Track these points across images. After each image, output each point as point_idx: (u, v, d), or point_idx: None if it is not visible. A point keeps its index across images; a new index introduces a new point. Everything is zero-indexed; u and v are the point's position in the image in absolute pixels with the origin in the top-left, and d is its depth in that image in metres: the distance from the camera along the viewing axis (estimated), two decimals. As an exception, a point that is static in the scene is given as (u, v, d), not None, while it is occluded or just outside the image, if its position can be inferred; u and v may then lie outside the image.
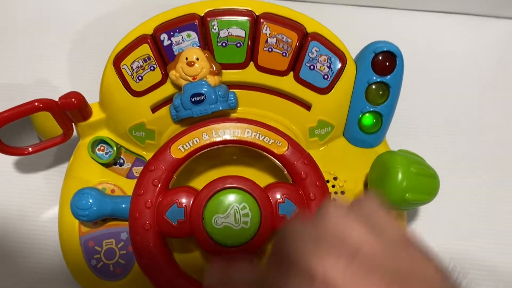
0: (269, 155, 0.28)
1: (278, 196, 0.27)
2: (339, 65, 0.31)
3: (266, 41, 0.30)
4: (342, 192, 0.32)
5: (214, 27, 0.30)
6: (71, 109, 0.30)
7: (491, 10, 0.44)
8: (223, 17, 0.30)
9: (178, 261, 0.27)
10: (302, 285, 0.17)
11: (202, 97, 0.29)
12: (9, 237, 0.35)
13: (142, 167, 0.32)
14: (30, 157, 0.33)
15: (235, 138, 0.28)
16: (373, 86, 0.32)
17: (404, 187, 0.27)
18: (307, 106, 0.32)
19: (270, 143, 0.28)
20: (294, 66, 0.31)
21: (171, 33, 0.30)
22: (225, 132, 0.28)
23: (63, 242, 0.31)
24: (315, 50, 0.30)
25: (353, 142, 0.33)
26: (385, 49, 0.31)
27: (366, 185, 0.32)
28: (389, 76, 0.31)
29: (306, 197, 0.27)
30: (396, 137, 0.36)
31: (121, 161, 0.33)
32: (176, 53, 0.30)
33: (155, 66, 0.30)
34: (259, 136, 0.28)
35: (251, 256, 0.27)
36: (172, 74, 0.30)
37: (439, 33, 0.44)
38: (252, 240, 0.26)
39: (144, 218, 0.26)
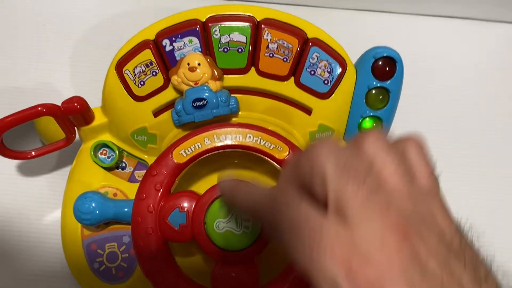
0: (270, 160, 0.29)
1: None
2: (339, 70, 0.31)
3: (267, 46, 0.30)
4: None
5: (216, 33, 0.30)
6: (73, 114, 0.30)
7: (493, 15, 0.44)
8: (224, 23, 0.30)
9: (180, 265, 0.27)
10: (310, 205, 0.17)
11: (204, 102, 0.29)
12: (12, 240, 0.35)
13: (144, 171, 0.32)
14: (33, 161, 0.33)
15: (236, 143, 0.28)
16: (373, 91, 0.32)
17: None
18: (308, 111, 0.32)
19: (271, 148, 0.28)
20: (295, 71, 0.31)
21: (173, 39, 0.30)
22: (227, 137, 0.28)
23: (65, 245, 0.31)
24: (316, 55, 0.31)
25: (353, 146, 0.34)
26: (385, 55, 0.31)
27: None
28: (389, 81, 0.31)
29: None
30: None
31: (123, 165, 0.33)
32: (178, 58, 0.30)
33: (157, 71, 0.30)
34: (260, 141, 0.28)
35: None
36: (174, 79, 0.30)
37: (440, 37, 0.44)
38: (254, 244, 0.26)
39: (146, 222, 0.27)
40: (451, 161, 0.39)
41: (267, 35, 0.30)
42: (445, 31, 0.45)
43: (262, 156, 0.29)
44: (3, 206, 0.36)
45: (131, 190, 0.32)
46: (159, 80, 0.31)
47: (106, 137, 0.33)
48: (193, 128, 0.30)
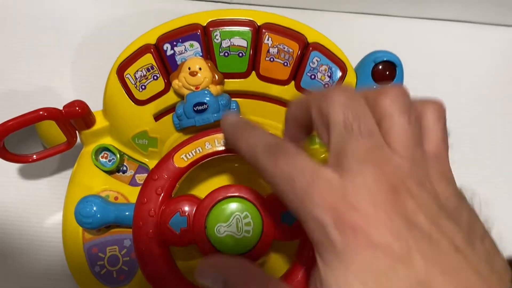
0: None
1: (280, 205, 0.27)
2: (339, 75, 0.31)
3: (268, 51, 0.30)
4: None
5: (217, 37, 0.30)
6: (75, 118, 0.30)
7: (494, 18, 0.45)
8: (225, 27, 0.30)
9: (181, 269, 0.28)
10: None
11: (205, 106, 0.30)
12: (13, 243, 0.35)
13: (145, 175, 0.33)
14: (34, 164, 0.33)
15: (237, 148, 0.28)
16: (373, 95, 0.32)
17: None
18: (308, 115, 0.32)
19: (271, 152, 0.28)
20: (295, 75, 0.31)
21: (174, 43, 0.30)
22: (228, 141, 0.28)
23: (67, 248, 0.31)
24: (316, 60, 0.31)
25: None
26: (385, 59, 0.31)
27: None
28: (389, 86, 0.32)
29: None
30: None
31: (124, 168, 0.33)
32: (179, 62, 0.30)
33: (158, 75, 0.31)
34: (261, 145, 0.28)
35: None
36: (175, 83, 0.30)
37: (441, 41, 0.45)
38: (254, 249, 0.27)
39: (147, 226, 0.27)
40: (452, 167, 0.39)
41: (268, 40, 0.30)
42: (445, 35, 0.45)
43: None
44: (4, 209, 0.36)
45: (132, 194, 0.32)
46: (160, 84, 0.31)
47: (107, 140, 0.33)
48: (194, 132, 0.30)
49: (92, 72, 0.40)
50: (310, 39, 0.31)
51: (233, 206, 0.27)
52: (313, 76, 0.31)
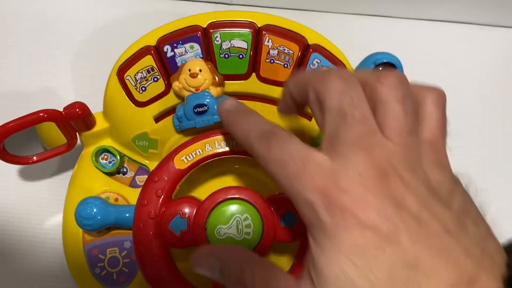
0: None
1: (280, 207, 0.27)
2: (340, 76, 0.31)
3: (268, 52, 0.30)
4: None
5: (217, 39, 0.30)
6: (75, 119, 0.30)
7: (494, 19, 0.45)
8: (225, 29, 0.30)
9: (181, 271, 0.27)
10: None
11: (205, 108, 0.30)
12: (13, 244, 0.35)
13: (145, 176, 0.33)
14: (35, 165, 0.33)
15: (237, 149, 0.28)
16: (374, 97, 0.32)
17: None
18: (308, 116, 0.32)
19: (272, 154, 0.28)
20: (296, 77, 0.31)
21: (174, 45, 0.30)
22: (228, 143, 0.28)
23: (67, 250, 0.31)
24: (316, 61, 0.31)
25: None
26: (385, 61, 0.31)
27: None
28: (389, 87, 0.32)
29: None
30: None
31: (124, 170, 0.33)
32: (179, 64, 0.30)
33: (158, 77, 0.31)
34: (261, 147, 0.28)
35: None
36: (175, 85, 0.30)
37: (442, 42, 0.45)
38: (255, 251, 0.27)
39: (147, 228, 0.27)
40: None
41: (268, 41, 0.30)
42: (445, 36, 0.45)
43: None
44: (4, 210, 0.36)
45: (132, 195, 0.32)
46: (160, 86, 0.31)
47: (107, 142, 0.33)
48: (194, 133, 0.30)
49: (92, 74, 0.40)
50: (311, 40, 0.31)
51: (233, 208, 0.27)
52: (313, 78, 0.31)
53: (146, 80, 0.31)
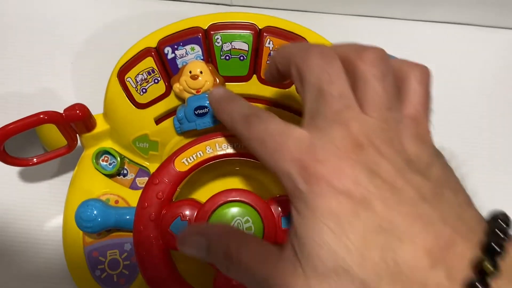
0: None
1: (281, 209, 0.27)
2: (341, 78, 0.31)
3: (269, 54, 0.30)
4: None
5: (218, 41, 0.30)
6: (75, 121, 0.30)
7: (495, 20, 0.44)
8: (226, 31, 0.30)
9: (182, 273, 0.27)
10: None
11: (206, 110, 0.29)
12: (13, 246, 0.35)
13: (146, 178, 0.33)
14: (35, 167, 0.33)
15: (238, 152, 0.28)
16: (375, 99, 0.32)
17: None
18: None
19: (272, 156, 0.28)
20: (297, 79, 0.31)
21: (175, 47, 0.30)
22: (228, 145, 0.28)
23: (67, 252, 0.31)
24: (317, 63, 0.31)
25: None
26: (386, 63, 0.31)
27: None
28: (390, 89, 0.32)
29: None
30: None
31: (125, 171, 0.33)
32: (180, 66, 0.30)
33: (159, 79, 0.30)
34: (262, 149, 0.28)
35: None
36: (176, 87, 0.30)
37: (441, 43, 0.44)
38: (255, 253, 0.26)
39: (148, 231, 0.27)
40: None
41: (269, 43, 0.30)
42: (445, 37, 0.45)
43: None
44: (4, 212, 0.36)
45: (132, 197, 0.32)
46: (161, 87, 0.31)
47: (107, 144, 0.33)
48: (195, 135, 0.30)
49: (92, 75, 0.40)
50: (311, 42, 0.31)
51: (234, 210, 0.27)
52: (314, 80, 0.31)
53: (146, 82, 0.31)
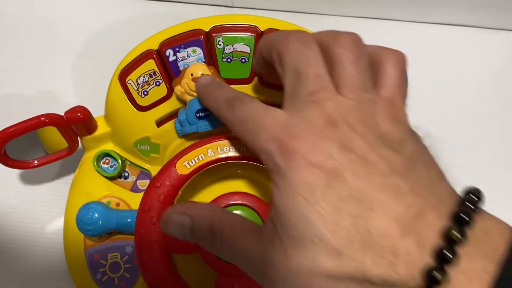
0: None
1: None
2: (342, 81, 0.31)
3: (271, 56, 0.30)
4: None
5: (219, 43, 0.30)
6: (76, 124, 0.30)
7: (496, 23, 0.44)
8: (228, 33, 0.30)
9: (183, 277, 0.27)
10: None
11: (207, 112, 0.29)
12: (14, 248, 0.35)
13: (147, 181, 0.33)
14: (36, 169, 0.33)
15: (240, 155, 0.28)
16: (377, 101, 0.32)
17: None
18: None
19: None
20: (298, 81, 0.31)
21: (177, 49, 0.30)
22: (230, 148, 0.28)
23: (68, 255, 0.31)
24: (319, 66, 0.31)
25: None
26: (388, 65, 0.31)
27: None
28: (392, 92, 0.31)
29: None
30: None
31: (126, 174, 0.33)
32: (181, 68, 0.30)
33: (160, 81, 0.30)
34: (263, 152, 0.28)
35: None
36: (177, 89, 0.30)
37: (443, 45, 0.44)
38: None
39: (150, 234, 0.27)
40: (448, 174, 0.39)
41: (271, 46, 0.30)
42: (446, 39, 0.45)
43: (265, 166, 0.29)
44: (5, 214, 0.36)
45: (134, 200, 0.32)
46: (162, 90, 0.31)
47: (108, 146, 0.33)
48: (196, 138, 0.30)
49: (93, 78, 0.40)
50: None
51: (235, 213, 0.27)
52: (316, 82, 0.31)
53: (148, 84, 0.30)
